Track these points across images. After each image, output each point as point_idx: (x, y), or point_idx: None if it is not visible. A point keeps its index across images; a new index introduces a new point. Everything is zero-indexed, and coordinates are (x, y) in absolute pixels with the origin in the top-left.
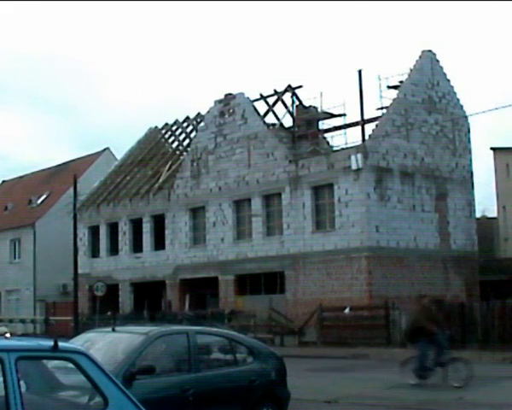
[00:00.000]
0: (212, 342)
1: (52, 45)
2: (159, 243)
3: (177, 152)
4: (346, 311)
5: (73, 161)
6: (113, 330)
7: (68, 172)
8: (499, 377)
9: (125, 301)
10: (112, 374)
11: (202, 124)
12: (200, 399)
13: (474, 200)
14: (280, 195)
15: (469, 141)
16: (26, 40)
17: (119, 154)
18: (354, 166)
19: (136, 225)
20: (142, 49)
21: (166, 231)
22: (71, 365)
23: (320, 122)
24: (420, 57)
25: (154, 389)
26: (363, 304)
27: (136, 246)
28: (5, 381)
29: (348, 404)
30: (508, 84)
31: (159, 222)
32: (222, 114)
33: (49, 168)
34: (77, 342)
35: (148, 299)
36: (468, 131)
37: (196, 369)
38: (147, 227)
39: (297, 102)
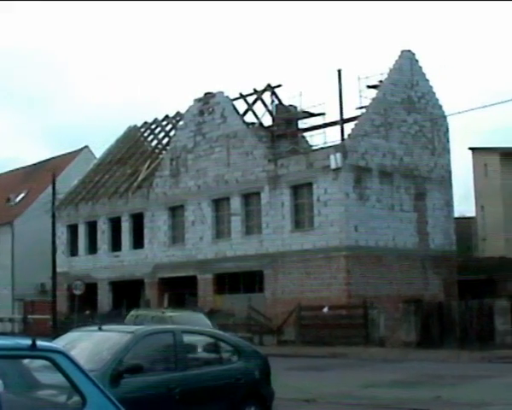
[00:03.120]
0: (198, 340)
1: (29, 42)
2: (137, 242)
3: (157, 151)
4: (325, 310)
5: (52, 159)
6: (100, 328)
7: (47, 171)
8: (477, 375)
9: (104, 299)
10: (99, 373)
11: (181, 123)
12: (186, 397)
13: (452, 199)
14: (259, 194)
15: (448, 141)
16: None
17: (98, 152)
18: (333, 166)
19: (115, 223)
20: (122, 48)
21: (145, 230)
22: (49, 364)
23: (299, 121)
24: (399, 57)
25: (141, 387)
26: (342, 303)
27: (115, 245)
28: None
29: (327, 403)
30: (486, 85)
31: (137, 221)
32: (201, 112)
33: (27, 166)
34: (63, 341)
35: (127, 298)
36: (447, 131)
37: (182, 367)
38: (125, 226)
39: (276, 102)
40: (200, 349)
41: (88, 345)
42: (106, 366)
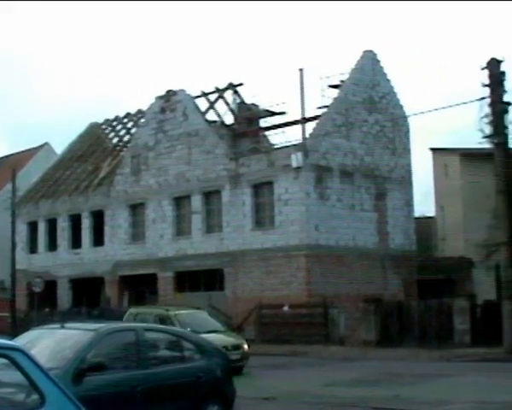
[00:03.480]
0: (160, 338)
1: None
2: (98, 240)
3: (118, 148)
4: (285, 309)
5: (12, 155)
6: (63, 326)
7: (6, 167)
8: (436, 374)
9: (64, 297)
10: (62, 371)
11: (143, 120)
12: (148, 395)
13: (412, 199)
14: (220, 192)
15: (409, 141)
16: None
17: (59, 149)
18: (294, 165)
19: (75, 221)
20: (84, 44)
21: (106, 228)
22: (8, 362)
23: (261, 120)
24: (361, 57)
25: (104, 385)
26: (302, 302)
27: (75, 242)
28: None
29: (286, 401)
30: (447, 86)
31: (98, 218)
32: (163, 110)
33: None
34: (24, 339)
35: (87, 295)
36: (408, 131)
37: (144, 365)
38: (86, 223)
39: (238, 100)
40: (162, 347)
41: (50, 343)
42: (68, 364)
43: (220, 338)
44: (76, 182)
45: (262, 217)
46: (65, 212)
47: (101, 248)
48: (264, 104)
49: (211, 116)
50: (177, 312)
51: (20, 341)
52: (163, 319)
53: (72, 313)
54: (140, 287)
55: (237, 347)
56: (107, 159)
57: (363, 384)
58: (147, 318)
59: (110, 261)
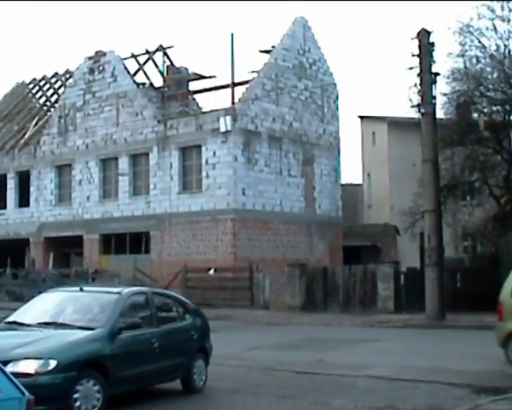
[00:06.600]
0: (163, 300)
1: None
2: (23, 200)
3: (45, 108)
4: (211, 272)
5: None
6: (81, 290)
7: None
8: (359, 339)
9: None
10: (104, 329)
11: (71, 80)
12: (162, 351)
13: (339, 166)
14: (147, 154)
15: (337, 108)
16: None
17: None
18: (223, 129)
19: (0, 181)
20: (13, 2)
21: (31, 188)
22: None
23: (190, 83)
24: (292, 23)
25: (132, 342)
26: (228, 266)
27: (0, 202)
28: None
29: (210, 364)
30: (377, 56)
31: (24, 179)
32: (92, 71)
33: None
34: (47, 302)
35: (12, 257)
36: (337, 99)
37: (157, 324)
38: (11, 183)
39: (168, 63)
40: (164, 308)
41: (76, 305)
42: (108, 323)
43: None
44: (1, 141)
45: (189, 180)
46: None
47: (26, 209)
48: (194, 68)
49: (140, 78)
50: None
51: (43, 305)
52: None
53: None
54: (65, 249)
55: None
56: (33, 119)
57: (287, 348)
58: None
59: (35, 223)
